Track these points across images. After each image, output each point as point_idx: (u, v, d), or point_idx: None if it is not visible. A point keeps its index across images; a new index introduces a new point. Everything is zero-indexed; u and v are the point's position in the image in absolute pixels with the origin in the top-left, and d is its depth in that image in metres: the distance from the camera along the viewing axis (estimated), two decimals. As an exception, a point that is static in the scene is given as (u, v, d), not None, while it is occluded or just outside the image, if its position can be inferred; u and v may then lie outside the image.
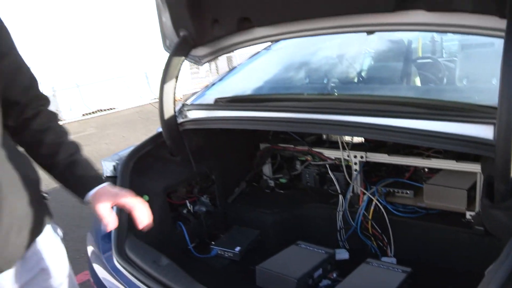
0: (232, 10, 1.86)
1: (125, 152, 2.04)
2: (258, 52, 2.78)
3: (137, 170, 1.95)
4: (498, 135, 1.17)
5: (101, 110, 11.96)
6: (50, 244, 1.38)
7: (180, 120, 2.09)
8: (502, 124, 1.16)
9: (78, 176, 1.37)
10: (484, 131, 1.30)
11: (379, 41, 2.67)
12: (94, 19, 12.37)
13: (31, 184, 1.29)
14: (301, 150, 2.28)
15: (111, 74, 12.66)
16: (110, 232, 1.81)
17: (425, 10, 1.47)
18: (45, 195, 1.38)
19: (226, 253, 2.07)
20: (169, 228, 2.05)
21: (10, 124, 1.32)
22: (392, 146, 2.01)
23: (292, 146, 2.29)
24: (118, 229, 1.80)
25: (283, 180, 2.43)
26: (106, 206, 1.30)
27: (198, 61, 2.18)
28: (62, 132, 1.42)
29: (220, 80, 2.60)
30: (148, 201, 1.96)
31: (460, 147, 1.36)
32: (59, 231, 1.45)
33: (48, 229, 1.38)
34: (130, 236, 1.80)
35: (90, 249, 1.97)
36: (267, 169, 2.47)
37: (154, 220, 1.97)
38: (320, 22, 1.74)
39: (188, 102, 2.27)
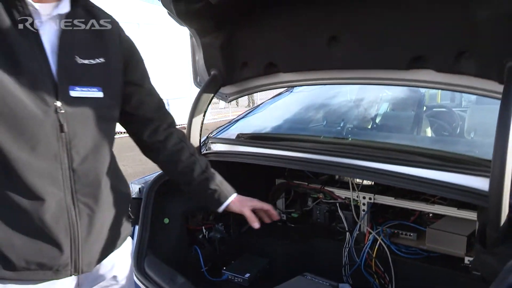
0: (261, 56, 2.05)
1: (151, 176, 2.21)
2: (281, 93, 2.98)
3: (160, 194, 2.11)
4: (491, 187, 1.32)
5: (121, 133, 12.23)
6: (125, 256, 1.53)
7: (204, 151, 2.26)
8: (494, 177, 1.31)
9: (212, 190, 1.63)
10: (480, 183, 1.45)
11: (395, 89, 2.84)
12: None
13: (122, 199, 1.44)
14: (314, 188, 2.42)
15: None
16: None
17: (434, 70, 1.64)
18: (130, 214, 1.55)
19: (236, 278, 2.20)
20: (185, 250, 2.20)
21: (145, 140, 1.56)
22: (399, 190, 2.14)
23: (306, 183, 2.44)
24: (138, 247, 1.97)
25: (295, 215, 2.57)
26: (249, 209, 1.64)
27: (225, 98, 2.37)
28: (193, 149, 1.66)
29: (244, 116, 2.79)
30: (168, 224, 2.13)
31: (458, 195, 1.50)
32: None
33: (128, 242, 1.54)
34: (149, 255, 1.96)
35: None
36: (280, 203, 2.62)
37: (172, 241, 2.14)
38: (340, 73, 1.92)
39: (213, 135, 2.46)
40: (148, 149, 1.60)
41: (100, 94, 1.29)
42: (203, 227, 2.33)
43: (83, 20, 1.30)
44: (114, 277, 1.48)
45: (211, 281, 2.20)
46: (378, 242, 2.12)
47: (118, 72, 1.37)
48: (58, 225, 1.23)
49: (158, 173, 2.17)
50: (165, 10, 1.95)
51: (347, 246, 2.23)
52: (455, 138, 2.53)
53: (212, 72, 2.18)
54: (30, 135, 1.17)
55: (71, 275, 1.30)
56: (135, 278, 1.86)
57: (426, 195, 2.06)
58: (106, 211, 1.37)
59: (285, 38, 1.94)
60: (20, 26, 1.16)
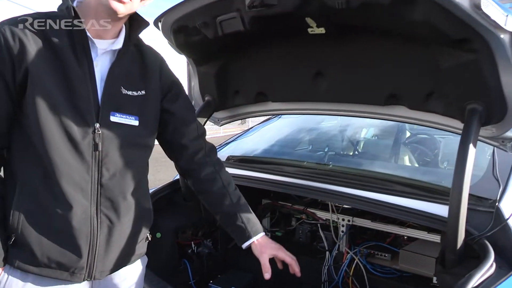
0: (252, 85, 2.23)
1: (146, 192, 2.36)
2: (270, 118, 3.16)
3: (154, 210, 2.26)
4: (449, 214, 1.50)
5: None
6: (138, 273, 1.66)
7: (195, 171, 2.42)
8: (452, 205, 1.49)
9: (237, 226, 1.70)
10: (441, 210, 1.63)
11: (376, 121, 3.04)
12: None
13: (144, 220, 1.60)
14: (297, 209, 2.59)
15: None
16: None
17: (407, 107, 1.84)
18: (148, 235, 1.68)
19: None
20: (175, 263, 2.34)
21: (182, 166, 1.73)
22: (375, 214, 2.32)
23: (289, 204, 2.61)
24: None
25: (278, 233, 2.72)
26: (267, 257, 1.70)
27: (217, 122, 2.54)
28: (228, 181, 1.75)
29: (234, 139, 2.97)
30: (160, 238, 2.28)
31: (422, 221, 1.69)
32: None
33: (143, 260, 1.69)
34: (148, 272, 2.10)
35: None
36: (266, 222, 2.78)
37: (163, 254, 2.28)
38: (324, 105, 2.11)
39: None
40: (186, 175, 1.77)
41: (135, 123, 1.47)
42: (192, 242, 2.47)
43: (132, 56, 1.51)
44: None
45: None
46: (355, 261, 2.28)
47: (156, 104, 1.56)
48: (80, 231, 1.39)
49: (153, 189, 2.33)
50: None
51: (326, 264, 2.38)
52: (429, 167, 2.72)
53: (206, 98, 2.35)
54: (71, 148, 1.35)
55: (84, 280, 1.44)
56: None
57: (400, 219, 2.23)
58: (126, 226, 1.51)
59: (275, 70, 2.12)
60: (78, 52, 1.36)
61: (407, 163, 2.78)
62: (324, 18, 1.63)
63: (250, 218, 1.73)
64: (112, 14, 1.36)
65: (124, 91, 1.45)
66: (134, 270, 1.64)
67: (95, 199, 1.41)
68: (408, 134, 3.00)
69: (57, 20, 1.37)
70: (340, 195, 1.96)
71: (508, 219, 1.58)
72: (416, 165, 2.75)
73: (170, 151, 1.72)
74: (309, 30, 1.73)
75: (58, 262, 1.39)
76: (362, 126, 3.14)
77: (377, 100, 1.89)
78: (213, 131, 14.44)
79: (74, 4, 1.38)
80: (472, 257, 1.55)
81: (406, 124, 2.90)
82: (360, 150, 2.93)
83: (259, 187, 2.30)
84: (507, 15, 1.34)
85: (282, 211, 2.72)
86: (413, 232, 2.18)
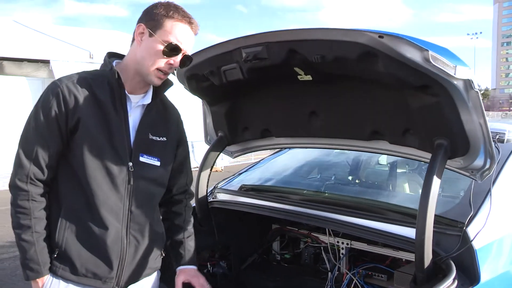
0: (258, 123, 2.51)
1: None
2: (280, 150, 3.45)
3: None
4: (416, 237, 1.72)
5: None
6: (153, 285, 1.99)
7: (210, 199, 2.71)
8: (418, 228, 1.71)
9: (178, 252, 2.04)
10: (411, 232, 1.84)
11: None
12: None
13: (159, 239, 1.95)
14: (303, 233, 2.83)
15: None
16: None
17: (388, 142, 2.08)
18: (163, 253, 2.00)
19: (234, 309, 2.60)
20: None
21: (162, 199, 2.00)
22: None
23: (296, 229, 2.85)
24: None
25: (287, 256, 2.96)
26: (181, 280, 1.98)
27: (231, 154, 2.82)
28: (187, 221, 2.09)
29: (247, 170, 3.25)
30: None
31: (396, 242, 1.91)
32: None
33: (158, 272, 2.02)
34: (161, 283, 2.38)
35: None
36: (275, 246, 3.02)
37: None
38: (319, 140, 2.37)
39: (220, 185, 2.91)
40: (161, 204, 2.05)
41: (158, 163, 1.84)
42: (208, 263, 2.74)
43: (157, 109, 1.88)
44: None
45: None
46: (354, 281, 2.49)
47: (173, 150, 1.94)
48: (113, 248, 1.73)
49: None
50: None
51: (328, 284, 2.60)
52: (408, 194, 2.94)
53: (219, 134, 2.64)
54: (110, 181, 1.70)
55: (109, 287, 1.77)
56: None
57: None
58: (148, 245, 1.86)
59: (276, 110, 2.40)
60: (117, 106, 1.73)
61: (403, 191, 3.00)
62: (308, 68, 1.91)
63: (191, 251, 2.07)
64: (149, 83, 1.79)
65: (150, 137, 1.82)
66: (151, 280, 1.97)
67: (126, 223, 1.76)
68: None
69: (103, 79, 1.74)
70: (334, 222, 2.20)
71: (472, 241, 1.78)
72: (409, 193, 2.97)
73: None
74: (299, 77, 2.01)
75: (94, 272, 1.72)
76: (361, 158, 3.38)
77: (362, 136, 2.14)
78: (245, 158, 14.76)
79: (114, 64, 1.77)
80: (441, 276, 1.75)
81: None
82: (359, 180, 3.17)
83: (268, 215, 2.56)
84: (455, 66, 1.58)
85: (290, 235, 2.96)
86: (403, 254, 2.37)
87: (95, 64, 13.28)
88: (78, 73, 1.75)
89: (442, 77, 1.60)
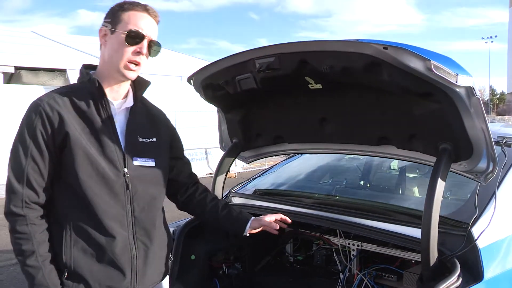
0: (270, 130, 2.62)
1: (182, 221, 2.77)
2: (292, 155, 3.56)
3: (189, 236, 2.66)
4: (422, 236, 1.81)
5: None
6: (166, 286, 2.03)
7: (225, 203, 2.82)
8: (423, 228, 1.80)
9: (235, 218, 2.09)
10: (418, 233, 1.93)
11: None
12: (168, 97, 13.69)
13: (167, 241, 1.96)
14: (315, 235, 2.93)
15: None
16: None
17: (395, 146, 2.17)
18: (171, 256, 2.04)
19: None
20: (207, 282, 2.72)
21: (179, 198, 2.09)
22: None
23: (308, 231, 2.95)
24: (170, 277, 2.51)
25: (300, 257, 3.06)
26: (266, 222, 2.10)
27: (245, 160, 2.93)
28: (214, 195, 2.18)
29: (261, 174, 3.37)
30: (194, 260, 2.67)
31: (403, 242, 2.00)
32: None
33: (167, 277, 2.03)
34: (178, 283, 2.49)
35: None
36: (288, 248, 3.12)
37: (196, 274, 2.66)
38: (330, 145, 2.48)
39: (235, 189, 3.02)
40: (182, 204, 2.11)
41: (153, 164, 1.83)
42: (224, 265, 2.85)
43: (141, 111, 1.89)
44: None
45: None
46: (364, 282, 2.58)
47: (166, 148, 1.94)
48: (123, 256, 1.71)
49: (188, 219, 2.73)
50: (204, 63, 2.55)
51: (340, 284, 2.69)
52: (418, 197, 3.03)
53: (233, 140, 2.75)
54: (108, 190, 1.69)
55: None
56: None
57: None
58: (157, 249, 1.85)
59: (288, 117, 2.51)
60: (102, 114, 1.73)
61: (412, 194, 3.08)
62: (318, 77, 2.02)
63: (241, 211, 2.14)
64: (125, 80, 1.78)
65: (140, 139, 1.82)
66: (164, 285, 2.00)
67: (131, 229, 1.75)
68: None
69: (83, 90, 1.74)
70: (344, 223, 2.30)
71: (476, 240, 1.87)
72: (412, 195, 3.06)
73: (171, 188, 2.02)
74: (310, 86, 2.12)
75: (108, 285, 1.71)
76: (372, 163, 3.48)
77: (370, 141, 2.24)
78: (258, 164, 14.89)
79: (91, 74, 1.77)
80: (447, 274, 1.83)
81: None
82: (370, 184, 3.27)
83: None
84: (457, 74, 1.67)
85: (302, 237, 3.06)
86: (411, 255, 2.45)
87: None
88: (56, 90, 1.75)
89: (444, 85, 1.70)
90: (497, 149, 1.94)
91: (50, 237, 1.68)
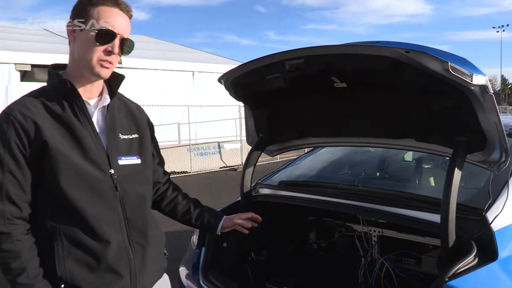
0: (296, 124, 2.81)
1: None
2: (314, 148, 3.75)
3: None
4: (441, 221, 1.99)
5: (175, 172, 12.99)
6: (166, 284, 1.99)
7: (253, 193, 3.02)
8: (442, 213, 1.98)
9: (207, 217, 2.10)
10: (436, 218, 2.11)
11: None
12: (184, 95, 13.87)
13: (161, 239, 1.89)
14: (338, 223, 3.12)
15: (187, 141, 13.94)
16: (198, 263, 2.73)
17: (415, 139, 2.36)
18: (165, 252, 1.95)
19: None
20: (238, 267, 2.92)
21: (153, 198, 1.99)
22: (401, 226, 2.79)
23: (332, 220, 3.15)
24: (204, 263, 2.71)
25: (323, 244, 3.26)
26: (237, 221, 2.14)
27: (270, 153, 3.12)
28: (183, 193, 2.12)
29: (285, 167, 3.57)
30: (226, 247, 2.87)
31: (422, 227, 2.19)
32: None
33: (166, 275, 1.97)
34: (212, 268, 2.69)
35: (182, 273, 2.85)
36: (312, 235, 3.32)
37: (228, 260, 2.86)
38: (353, 139, 2.67)
39: (261, 181, 3.22)
40: (153, 203, 1.99)
41: (138, 161, 1.76)
42: (252, 252, 3.06)
43: (118, 107, 1.79)
44: None
45: None
46: (385, 266, 2.77)
47: (148, 143, 1.86)
48: (121, 261, 1.64)
49: (219, 208, 2.93)
50: (216, 60, 2.73)
51: (362, 269, 2.88)
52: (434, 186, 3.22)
53: (260, 135, 2.93)
54: (96, 194, 1.60)
55: None
56: (201, 283, 2.60)
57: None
58: (153, 247, 1.78)
59: (314, 112, 2.70)
60: (79, 116, 1.62)
61: (428, 184, 3.27)
62: (343, 77, 2.21)
63: (211, 210, 2.16)
64: (99, 79, 1.67)
65: (122, 137, 1.73)
66: (163, 283, 1.95)
67: (125, 232, 1.67)
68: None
69: (55, 93, 1.62)
70: (368, 210, 2.49)
71: (490, 224, 2.05)
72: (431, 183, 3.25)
73: None
74: (335, 84, 2.30)
75: None
76: (388, 155, 3.67)
77: (391, 135, 2.43)
78: (271, 157, 15.10)
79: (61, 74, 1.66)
80: (464, 254, 2.02)
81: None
82: (388, 175, 3.47)
83: (307, 206, 2.86)
84: (472, 74, 1.84)
85: (325, 225, 3.25)
86: (431, 240, 2.64)
87: (124, 69, 13.74)
88: (26, 96, 1.63)
89: (460, 84, 1.86)
90: (509, 141, 2.10)
91: (40, 251, 1.58)
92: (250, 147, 2.94)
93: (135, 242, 1.71)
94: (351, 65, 2.11)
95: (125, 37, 1.64)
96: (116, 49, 1.61)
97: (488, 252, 2.00)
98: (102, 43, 1.58)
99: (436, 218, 2.11)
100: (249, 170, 2.90)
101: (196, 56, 18.09)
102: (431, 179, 3.31)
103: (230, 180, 11.89)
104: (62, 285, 1.57)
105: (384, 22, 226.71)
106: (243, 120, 3.07)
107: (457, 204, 2.02)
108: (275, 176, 3.38)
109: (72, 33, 1.62)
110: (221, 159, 14.73)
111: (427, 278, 2.65)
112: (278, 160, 13.00)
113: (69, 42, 1.66)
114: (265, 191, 3.07)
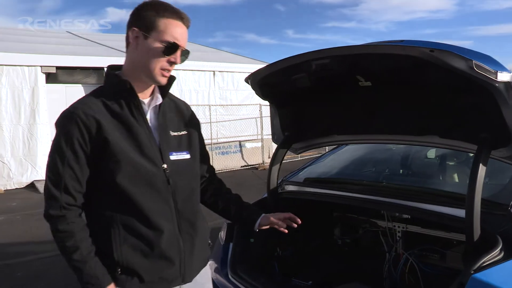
0: (321, 122, 2.87)
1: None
2: (338, 146, 3.81)
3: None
4: (466, 216, 2.04)
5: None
6: (208, 274, 2.09)
7: (279, 190, 3.09)
8: (467, 207, 2.02)
9: (246, 213, 2.15)
10: (461, 213, 2.15)
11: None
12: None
13: (206, 229, 1.99)
14: (362, 219, 3.17)
15: (208, 140, 14.02)
16: (227, 258, 2.81)
17: (438, 136, 2.40)
18: (210, 242, 2.06)
19: (301, 284, 2.97)
20: (265, 261, 3.00)
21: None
22: (425, 221, 2.83)
23: (355, 216, 3.20)
24: (233, 258, 2.80)
25: (348, 240, 3.32)
26: (274, 220, 2.10)
27: (295, 151, 3.19)
28: (227, 187, 2.20)
29: (309, 164, 3.63)
30: (253, 242, 2.94)
31: (447, 221, 2.24)
32: None
33: (208, 264, 2.07)
34: (240, 263, 2.78)
35: (211, 267, 2.92)
36: (337, 231, 3.38)
37: (255, 254, 2.94)
38: (376, 136, 2.72)
39: (286, 178, 3.29)
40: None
41: (188, 156, 1.88)
42: (278, 248, 3.13)
43: (169, 106, 1.91)
44: (203, 285, 2.00)
45: (284, 285, 2.98)
46: (410, 261, 2.81)
47: (196, 139, 1.97)
48: (172, 249, 1.77)
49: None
50: (236, 59, 2.81)
51: (387, 264, 2.93)
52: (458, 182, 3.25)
53: (285, 133, 3.00)
54: (150, 187, 1.72)
55: (178, 285, 1.84)
56: (229, 276, 2.68)
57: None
58: (199, 237, 1.89)
59: (338, 111, 2.76)
60: (135, 114, 1.74)
61: (452, 180, 3.30)
62: (368, 76, 2.27)
63: (249, 206, 2.21)
64: (155, 84, 1.82)
65: (172, 133, 1.85)
66: (207, 271, 2.06)
67: (176, 222, 1.79)
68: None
69: (114, 92, 1.75)
70: (390, 204, 2.55)
71: (515, 219, 2.09)
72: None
73: None
74: (360, 83, 2.36)
75: (160, 277, 1.77)
76: (412, 153, 3.71)
77: (415, 132, 2.48)
78: (292, 156, 15.14)
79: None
80: (490, 248, 2.05)
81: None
82: (411, 171, 3.51)
83: (330, 201, 2.93)
84: (496, 71, 1.88)
85: (350, 221, 3.31)
86: (453, 235, 2.67)
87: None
88: (87, 96, 1.76)
89: (485, 81, 1.90)
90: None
91: (97, 237, 1.71)
92: (270, 146, 3.03)
93: (184, 232, 1.82)
94: (376, 65, 2.17)
95: (185, 48, 1.77)
96: (178, 60, 1.76)
97: (514, 247, 2.04)
98: (167, 55, 1.71)
99: (461, 212, 2.15)
100: (276, 167, 2.97)
101: (217, 56, 18.19)
102: (455, 176, 3.34)
103: (253, 178, 11.97)
104: (119, 269, 1.70)
105: (405, 18, 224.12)
106: (264, 119, 3.15)
107: (482, 199, 2.06)
108: (300, 173, 3.45)
109: (135, 39, 1.73)
110: (242, 158, 14.81)
111: (452, 273, 2.68)
112: (299, 159, 13.03)
113: (128, 44, 1.77)
114: (291, 187, 3.14)
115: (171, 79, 1.85)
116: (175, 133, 1.87)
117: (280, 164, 2.98)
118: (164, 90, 1.87)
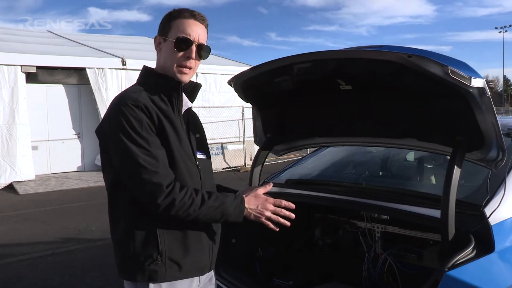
0: (303, 125, 2.93)
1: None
2: (319, 148, 3.88)
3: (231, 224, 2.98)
4: (441, 215, 2.11)
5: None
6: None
7: (261, 191, 3.14)
8: (443, 208, 2.10)
9: (223, 189, 2.19)
10: (437, 213, 2.22)
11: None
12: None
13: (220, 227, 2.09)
14: (342, 220, 3.24)
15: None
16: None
17: (416, 139, 2.48)
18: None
19: (283, 284, 3.02)
20: (247, 262, 3.04)
21: None
22: (404, 222, 2.91)
23: (336, 217, 3.27)
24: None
25: (328, 240, 3.38)
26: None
27: (277, 153, 3.25)
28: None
29: (291, 167, 3.69)
30: (234, 243, 2.99)
31: (424, 221, 2.31)
32: None
33: None
34: (222, 263, 2.81)
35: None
36: (317, 232, 3.44)
37: (237, 255, 2.98)
38: (358, 138, 2.79)
39: (268, 179, 3.34)
40: None
41: (204, 156, 2.06)
42: (259, 248, 3.17)
43: (189, 110, 2.06)
44: (211, 279, 2.14)
45: (265, 285, 3.03)
46: (388, 261, 2.88)
47: (206, 141, 2.16)
48: (205, 239, 1.94)
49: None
50: (218, 61, 2.84)
51: (366, 264, 3.00)
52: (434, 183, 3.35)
53: (267, 135, 3.05)
54: (192, 183, 1.86)
55: (207, 272, 2.00)
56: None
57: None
58: (219, 229, 2.05)
59: (320, 113, 2.82)
60: (175, 112, 1.87)
61: (429, 182, 3.40)
62: (348, 80, 2.33)
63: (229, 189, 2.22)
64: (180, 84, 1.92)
65: (196, 135, 2.03)
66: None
67: None
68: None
69: (156, 90, 1.86)
70: (372, 206, 2.62)
71: (487, 218, 2.17)
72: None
73: None
74: (341, 87, 2.43)
75: (197, 267, 1.91)
76: (391, 156, 3.80)
77: (394, 135, 2.55)
78: (274, 158, 15.21)
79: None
80: (463, 246, 2.13)
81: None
82: (390, 173, 3.61)
83: (311, 202, 2.99)
84: (470, 77, 1.96)
85: (330, 222, 3.37)
86: (431, 236, 2.75)
87: (128, 70, 13.89)
88: (134, 89, 1.86)
89: (459, 86, 1.97)
90: (507, 140, 2.22)
91: (142, 230, 1.80)
92: (252, 148, 3.08)
93: (213, 226, 1.98)
94: (356, 69, 2.23)
95: (201, 43, 1.89)
96: (193, 55, 1.87)
97: (485, 245, 2.12)
98: (180, 50, 1.84)
99: (436, 213, 2.23)
100: (257, 169, 3.02)
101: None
102: (432, 178, 3.43)
103: (235, 180, 12.05)
104: (160, 259, 1.79)
105: (386, 23, 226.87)
106: (246, 121, 3.19)
107: (457, 200, 2.14)
108: (282, 175, 3.51)
109: (158, 45, 1.92)
110: (224, 160, 14.85)
111: (429, 272, 2.76)
112: (281, 161, 13.11)
113: (157, 52, 1.94)
114: (272, 189, 3.17)
115: (198, 85, 2.05)
116: (196, 135, 2.03)
117: (262, 166, 3.03)
118: (191, 96, 2.05)
